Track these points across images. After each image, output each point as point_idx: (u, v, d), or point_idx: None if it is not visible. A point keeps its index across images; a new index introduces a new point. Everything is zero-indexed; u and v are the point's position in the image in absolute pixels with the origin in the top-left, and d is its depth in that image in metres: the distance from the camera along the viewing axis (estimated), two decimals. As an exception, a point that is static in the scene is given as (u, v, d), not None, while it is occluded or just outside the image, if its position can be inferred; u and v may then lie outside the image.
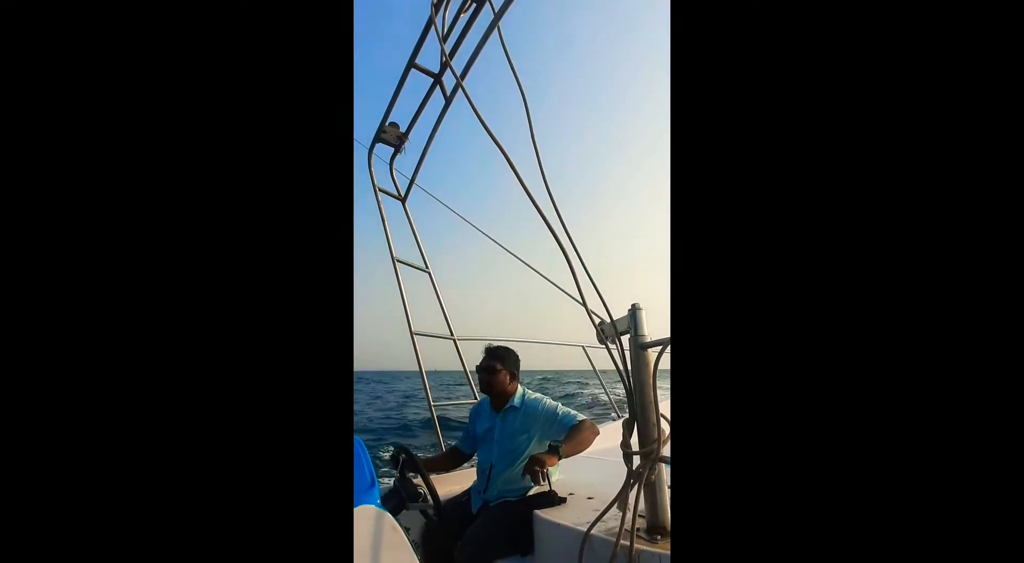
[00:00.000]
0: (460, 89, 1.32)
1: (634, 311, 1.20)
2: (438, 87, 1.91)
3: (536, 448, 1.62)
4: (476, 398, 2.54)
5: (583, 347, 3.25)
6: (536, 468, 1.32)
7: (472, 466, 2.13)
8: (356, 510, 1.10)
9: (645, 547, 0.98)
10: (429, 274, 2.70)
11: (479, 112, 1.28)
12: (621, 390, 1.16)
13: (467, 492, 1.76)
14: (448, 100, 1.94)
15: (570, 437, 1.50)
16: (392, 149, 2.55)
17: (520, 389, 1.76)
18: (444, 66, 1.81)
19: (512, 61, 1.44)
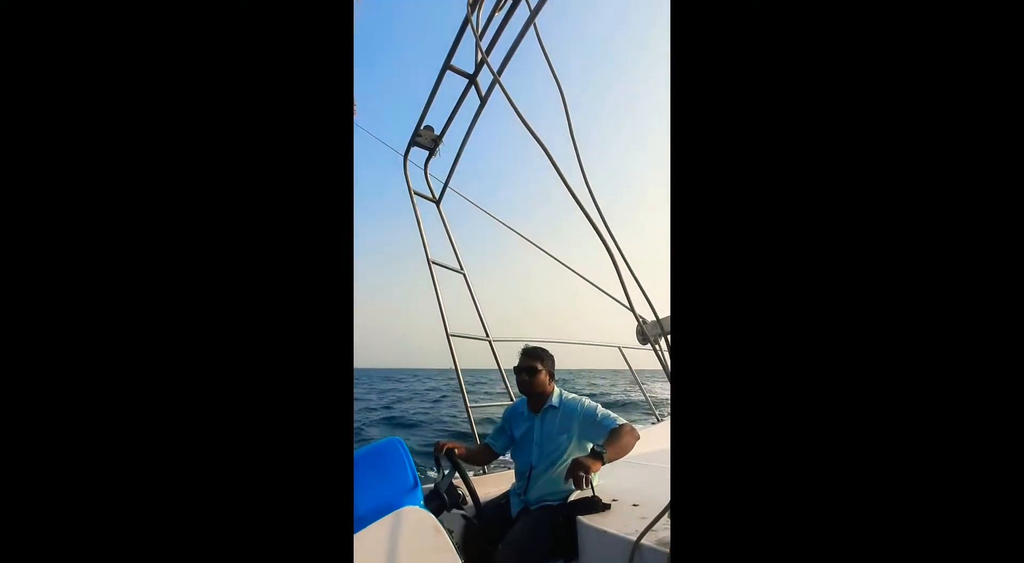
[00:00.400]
0: (497, 85, 1.31)
1: (681, 311, 1.14)
2: (473, 88, 1.92)
3: (576, 449, 1.59)
4: (512, 399, 2.53)
5: (619, 348, 3.17)
6: (580, 473, 1.28)
7: (508, 468, 2.10)
8: (400, 511, 1.09)
9: (701, 560, 0.93)
10: (464, 275, 2.71)
11: (517, 107, 1.27)
12: (660, 390, 1.11)
13: (505, 495, 1.74)
14: (483, 100, 1.94)
15: (612, 442, 1.44)
16: (427, 152, 2.58)
17: (557, 389, 1.73)
18: (480, 65, 1.81)
19: (549, 58, 1.42)
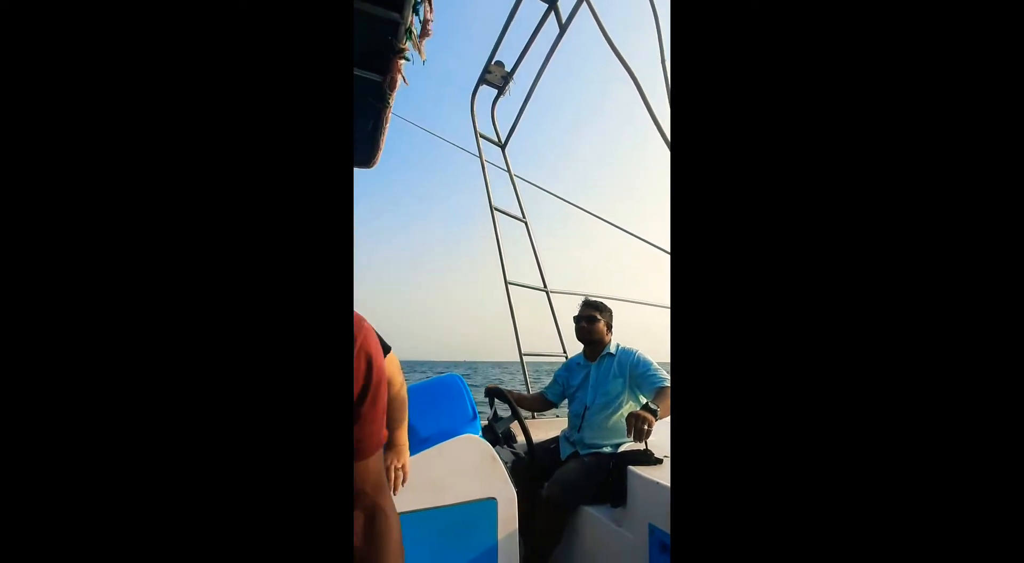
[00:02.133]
0: (584, 3, 1.19)
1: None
2: (552, 14, 1.76)
3: (628, 397, 1.60)
4: (566, 355, 2.54)
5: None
6: (642, 425, 1.26)
7: (558, 416, 2.15)
8: (459, 438, 1.15)
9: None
10: (526, 224, 2.66)
11: (605, 29, 1.14)
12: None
13: (555, 439, 1.79)
14: (563, 28, 1.78)
15: (661, 399, 1.44)
16: (496, 91, 2.47)
17: (615, 340, 1.75)
18: (561, -13, 1.65)
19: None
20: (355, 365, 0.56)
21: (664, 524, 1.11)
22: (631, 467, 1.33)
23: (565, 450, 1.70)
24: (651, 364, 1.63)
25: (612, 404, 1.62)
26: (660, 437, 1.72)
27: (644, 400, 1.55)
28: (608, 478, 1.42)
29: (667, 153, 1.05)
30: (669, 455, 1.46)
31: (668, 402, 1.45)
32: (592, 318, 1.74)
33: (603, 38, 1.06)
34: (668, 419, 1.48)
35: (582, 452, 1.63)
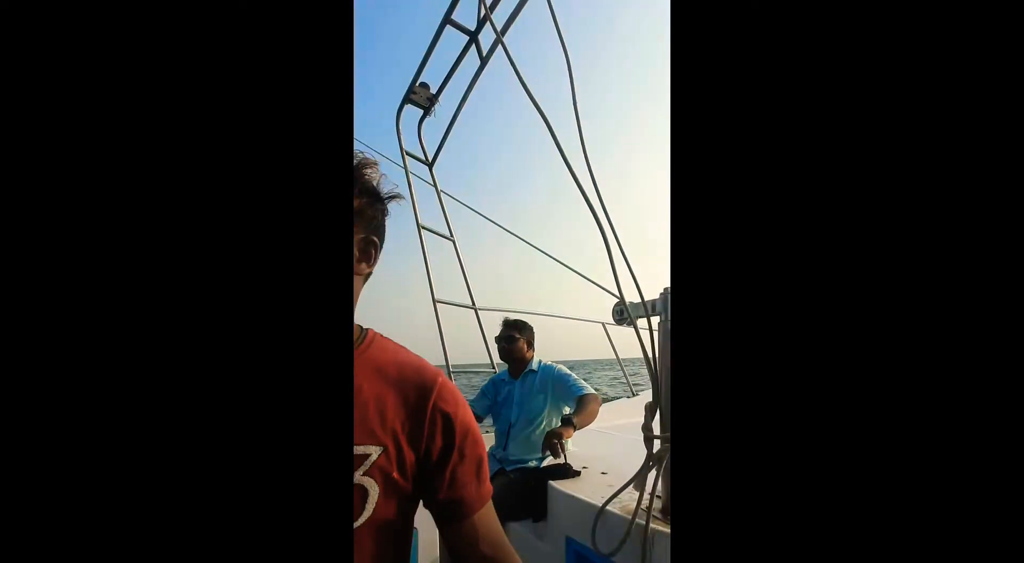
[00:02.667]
0: (500, 45, 1.25)
1: (667, 295, 1.16)
2: (473, 46, 1.82)
3: (551, 410, 1.68)
4: (495, 369, 2.58)
5: (603, 324, 3.22)
6: (555, 441, 1.35)
7: (487, 432, 2.18)
8: None
9: (660, 527, 0.99)
10: (453, 242, 2.68)
11: (519, 70, 1.22)
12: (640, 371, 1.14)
13: (482, 457, 1.82)
14: (484, 61, 1.85)
15: (580, 409, 1.55)
16: (422, 111, 2.48)
17: (537, 357, 1.82)
18: (483, 22, 1.71)
19: (557, 20, 1.35)
20: (429, 425, 0.53)
21: (581, 535, 1.19)
22: (551, 482, 1.39)
23: (492, 466, 1.74)
24: (570, 376, 1.72)
25: (535, 421, 1.69)
26: (585, 447, 1.82)
27: (568, 410, 1.64)
28: (530, 493, 1.48)
29: (571, 183, 1.13)
30: (588, 466, 1.56)
31: (588, 408, 1.56)
32: (511, 338, 1.81)
33: (518, 80, 1.13)
34: (592, 427, 1.57)
35: (508, 468, 1.67)
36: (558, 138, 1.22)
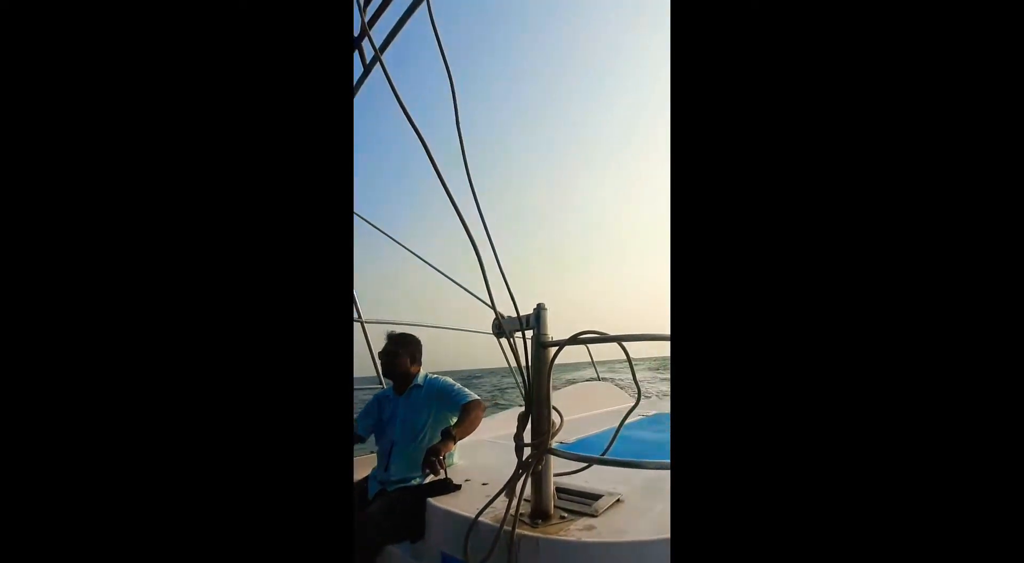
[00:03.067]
0: (378, 62, 1.24)
1: (539, 311, 1.24)
2: (356, 54, 1.77)
3: (434, 424, 1.66)
4: (382, 385, 2.48)
5: (496, 335, 3.30)
6: (432, 458, 1.34)
7: (371, 453, 2.07)
8: None
9: (526, 532, 1.04)
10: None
11: (396, 88, 1.21)
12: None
13: (365, 479, 1.73)
14: (367, 69, 1.81)
15: (461, 419, 1.57)
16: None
17: (423, 371, 1.79)
18: (363, 33, 1.68)
19: (439, 36, 1.38)
20: None
21: (455, 550, 1.19)
22: (429, 499, 1.38)
23: (373, 488, 1.66)
24: (453, 386, 1.72)
25: (418, 436, 1.66)
26: (470, 458, 1.83)
27: (454, 420, 1.63)
28: (410, 514, 1.44)
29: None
30: (471, 478, 1.57)
31: (470, 416, 1.57)
32: (393, 353, 1.76)
33: (392, 93, 1.13)
34: (482, 438, 1.56)
35: (390, 489, 1.61)
36: (432, 153, 1.24)
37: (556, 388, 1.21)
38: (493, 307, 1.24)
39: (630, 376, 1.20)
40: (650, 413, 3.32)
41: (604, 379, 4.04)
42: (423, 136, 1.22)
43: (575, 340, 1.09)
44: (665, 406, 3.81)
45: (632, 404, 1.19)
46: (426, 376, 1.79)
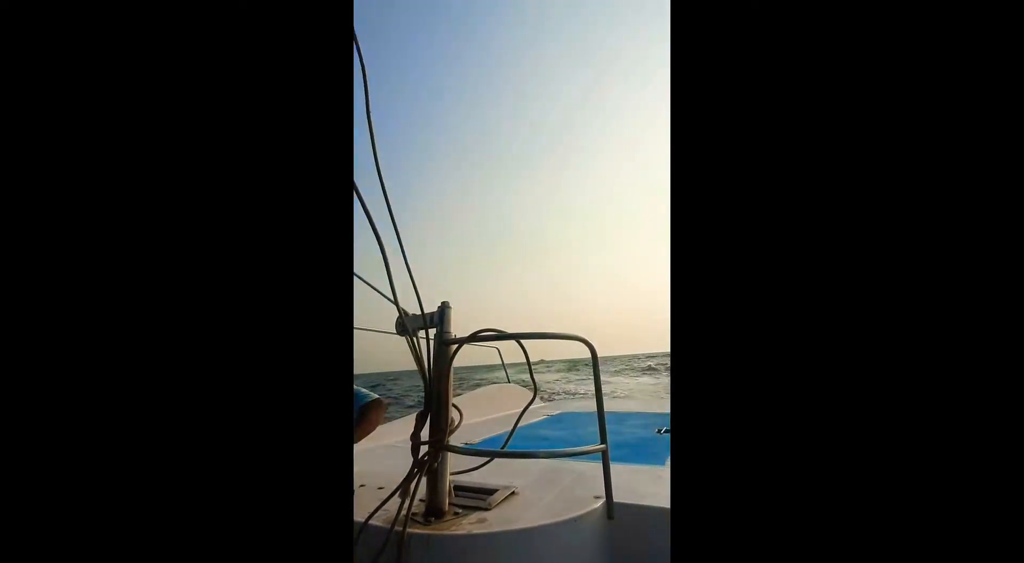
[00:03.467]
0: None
1: (443, 308, 1.25)
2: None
3: None
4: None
5: (399, 332, 3.21)
6: None
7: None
8: None
9: (417, 530, 1.04)
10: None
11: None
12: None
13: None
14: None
15: (356, 422, 1.51)
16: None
17: None
18: None
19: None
20: None
21: None
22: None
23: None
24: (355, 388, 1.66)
25: None
26: (367, 464, 1.76)
27: None
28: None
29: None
30: (366, 483, 1.51)
31: (366, 420, 1.51)
32: None
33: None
34: (383, 441, 1.47)
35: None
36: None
37: (460, 393, 1.22)
38: (396, 304, 1.22)
39: (546, 378, 1.26)
40: (554, 413, 3.48)
41: (514, 382, 4.14)
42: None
43: (475, 337, 1.11)
44: (570, 406, 4.02)
45: (529, 401, 1.25)
46: None
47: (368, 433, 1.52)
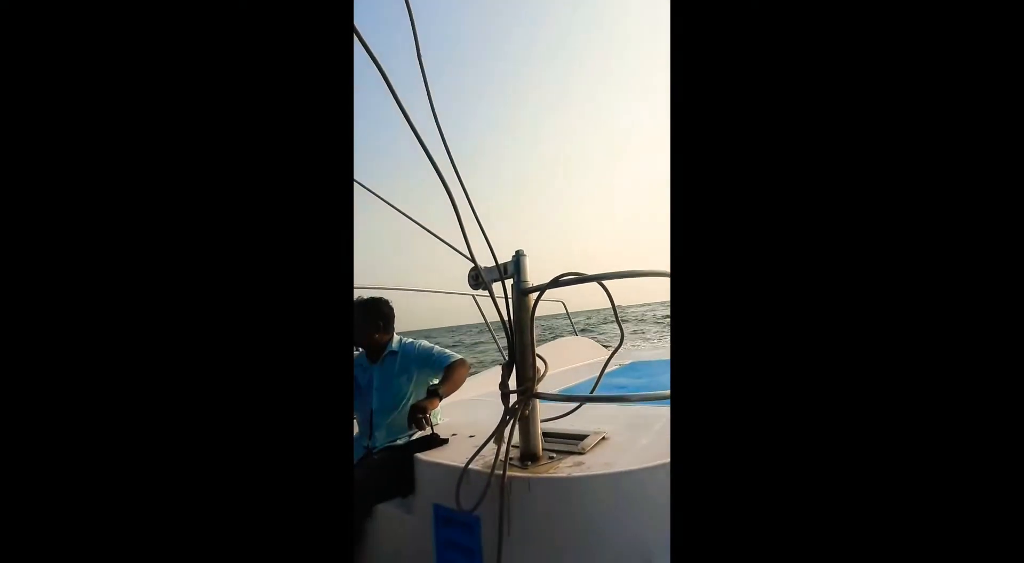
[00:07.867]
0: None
1: (518, 257, 1.21)
2: None
3: (416, 389, 1.65)
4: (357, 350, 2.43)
5: (474, 296, 3.28)
6: (419, 415, 1.33)
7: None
8: None
9: (516, 474, 1.06)
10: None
11: (363, 37, 1.10)
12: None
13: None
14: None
15: (446, 377, 1.56)
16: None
17: (397, 336, 1.75)
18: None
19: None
20: None
21: (447, 500, 1.21)
22: (417, 454, 1.39)
23: (358, 452, 1.66)
24: (432, 349, 1.70)
25: (400, 404, 1.64)
26: (453, 417, 1.85)
27: (435, 382, 1.62)
28: (398, 471, 1.45)
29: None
30: (457, 433, 1.59)
31: (455, 375, 1.57)
32: (360, 324, 1.69)
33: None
34: (464, 396, 1.55)
35: (375, 453, 1.61)
36: (401, 102, 1.15)
37: (537, 342, 1.21)
38: (472, 258, 1.20)
39: (609, 328, 1.21)
40: (625, 362, 3.43)
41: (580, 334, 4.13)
42: (392, 84, 1.12)
43: (556, 283, 1.07)
44: (640, 355, 3.95)
45: (615, 346, 1.21)
46: (400, 341, 1.74)
47: (455, 389, 1.57)
